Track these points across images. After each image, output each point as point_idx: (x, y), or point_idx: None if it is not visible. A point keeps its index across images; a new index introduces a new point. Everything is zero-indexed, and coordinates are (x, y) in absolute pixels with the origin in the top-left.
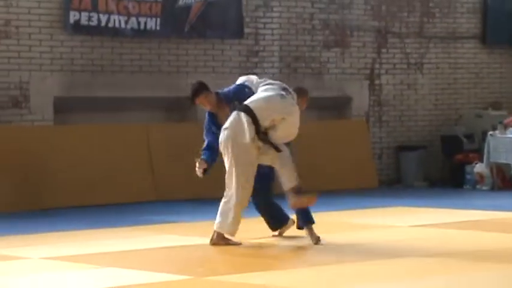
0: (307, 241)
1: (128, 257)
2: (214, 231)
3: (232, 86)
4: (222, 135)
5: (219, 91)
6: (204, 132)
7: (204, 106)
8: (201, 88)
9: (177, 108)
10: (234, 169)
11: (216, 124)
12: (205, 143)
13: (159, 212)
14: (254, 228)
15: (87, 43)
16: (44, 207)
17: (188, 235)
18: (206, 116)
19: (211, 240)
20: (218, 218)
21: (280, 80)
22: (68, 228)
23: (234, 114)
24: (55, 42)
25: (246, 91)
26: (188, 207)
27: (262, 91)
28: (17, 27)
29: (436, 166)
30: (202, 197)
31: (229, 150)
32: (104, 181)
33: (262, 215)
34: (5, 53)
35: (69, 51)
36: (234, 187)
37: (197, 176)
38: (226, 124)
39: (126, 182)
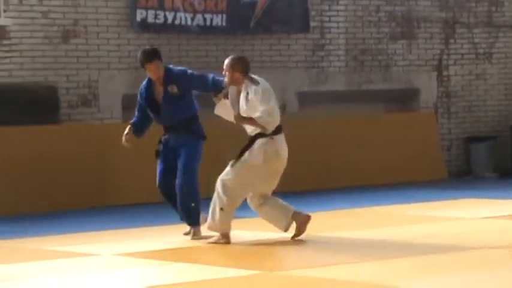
0: (369, 235)
1: (196, 252)
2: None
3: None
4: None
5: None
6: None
7: (152, 74)
8: (158, 54)
9: None
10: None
11: (148, 97)
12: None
13: None
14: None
15: (154, 41)
16: (111, 204)
17: (255, 230)
18: (142, 89)
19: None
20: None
21: (347, 74)
22: (135, 225)
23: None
24: (122, 40)
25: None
26: None
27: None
28: (85, 26)
29: (507, 156)
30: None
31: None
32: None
33: None
34: (74, 52)
35: (136, 49)
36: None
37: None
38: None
39: None
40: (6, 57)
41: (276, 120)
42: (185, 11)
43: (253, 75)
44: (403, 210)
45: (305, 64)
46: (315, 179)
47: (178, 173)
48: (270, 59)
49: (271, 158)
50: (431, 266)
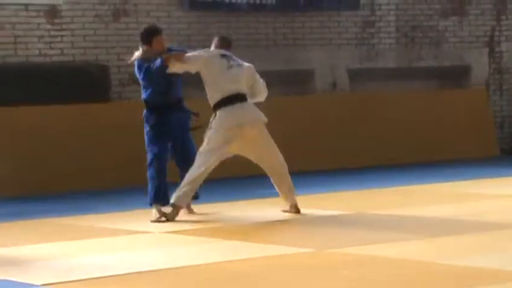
0: (420, 213)
1: (246, 230)
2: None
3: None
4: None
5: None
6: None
7: (160, 46)
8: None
9: (295, 82)
10: None
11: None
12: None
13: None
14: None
15: (203, 19)
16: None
17: (304, 208)
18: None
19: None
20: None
21: (397, 51)
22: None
23: None
24: (172, 19)
25: None
26: (306, 180)
27: None
28: (135, 5)
29: None
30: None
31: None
32: None
33: None
34: (124, 30)
35: (186, 28)
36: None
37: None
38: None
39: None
40: (57, 36)
41: (214, 98)
42: None
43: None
44: (454, 187)
45: (355, 41)
46: (367, 156)
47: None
48: (320, 36)
49: (218, 130)
50: (482, 244)
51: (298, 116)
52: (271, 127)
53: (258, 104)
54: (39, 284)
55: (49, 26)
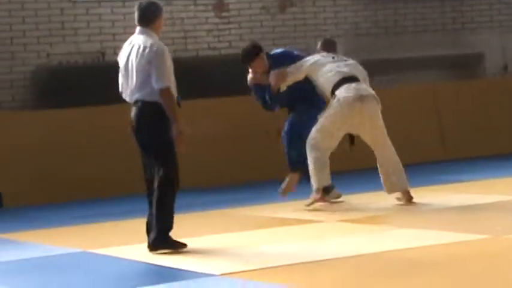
0: None
1: (420, 217)
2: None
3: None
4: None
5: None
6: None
7: (258, 69)
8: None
9: (464, 66)
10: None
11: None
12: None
13: (449, 171)
14: None
15: (370, 6)
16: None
17: (480, 193)
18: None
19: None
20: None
21: None
22: (350, 191)
23: None
24: (339, 7)
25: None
26: (481, 165)
27: None
28: None
29: None
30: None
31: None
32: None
33: None
34: (291, 21)
35: (353, 16)
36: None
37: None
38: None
39: (415, 142)
40: (225, 29)
41: (330, 82)
42: None
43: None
44: None
45: None
46: None
47: None
48: (491, 18)
49: (341, 105)
50: None
51: (468, 100)
52: (442, 111)
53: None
54: (218, 273)
55: (217, 20)
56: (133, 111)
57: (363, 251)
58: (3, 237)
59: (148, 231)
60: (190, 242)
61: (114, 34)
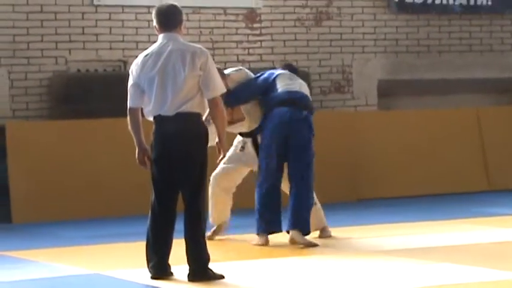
0: None
1: (462, 251)
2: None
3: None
4: None
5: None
6: None
7: None
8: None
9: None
10: None
11: None
12: None
13: (493, 203)
14: None
15: (412, 22)
16: (362, 198)
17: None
18: None
19: None
20: None
21: None
22: (388, 221)
23: None
24: (378, 22)
25: None
26: None
27: None
28: (338, 7)
29: None
30: None
31: None
32: (423, 170)
33: None
34: (327, 35)
35: (393, 32)
36: None
37: None
38: None
39: (456, 171)
40: (256, 41)
41: None
42: None
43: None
44: None
45: None
46: None
47: None
48: None
49: None
50: None
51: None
52: (485, 137)
53: None
54: None
55: (248, 31)
56: (174, 125)
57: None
58: (11, 256)
59: (161, 252)
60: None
61: (137, 42)
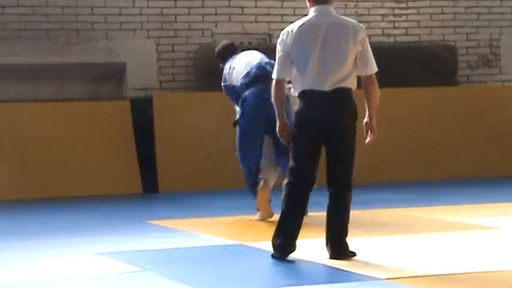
0: None
1: None
2: None
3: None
4: None
5: None
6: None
7: None
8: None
9: None
10: None
11: None
12: None
13: None
14: None
15: None
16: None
17: None
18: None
19: None
20: None
21: None
22: None
23: None
24: None
25: None
26: None
27: None
28: None
29: None
30: None
31: None
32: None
33: None
34: (475, 8)
35: None
36: None
37: None
38: None
39: None
40: (402, 15)
41: None
42: None
43: None
44: None
45: None
46: None
47: None
48: None
49: None
50: None
51: None
52: None
53: None
54: (384, 278)
55: (394, 4)
56: (330, 101)
57: None
58: (159, 224)
59: (290, 232)
60: (356, 242)
61: (282, 15)
